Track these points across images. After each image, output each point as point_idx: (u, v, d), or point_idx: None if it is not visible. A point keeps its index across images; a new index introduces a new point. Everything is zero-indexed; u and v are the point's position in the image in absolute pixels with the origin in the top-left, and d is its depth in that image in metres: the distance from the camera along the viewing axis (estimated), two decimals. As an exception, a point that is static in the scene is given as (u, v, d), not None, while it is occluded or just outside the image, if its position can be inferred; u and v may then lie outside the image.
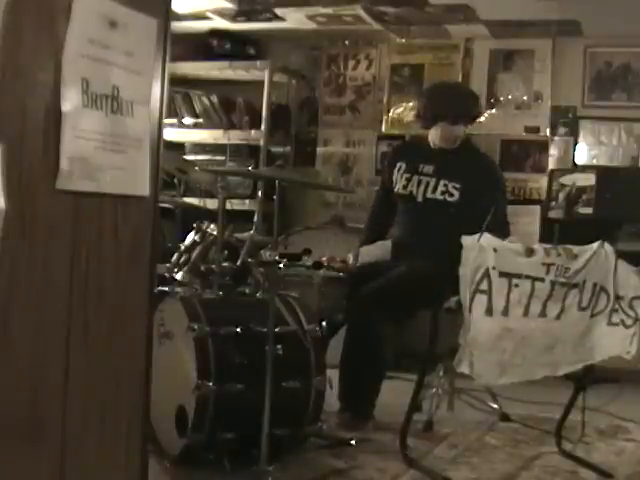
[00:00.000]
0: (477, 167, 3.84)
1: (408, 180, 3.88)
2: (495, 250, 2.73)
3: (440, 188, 3.77)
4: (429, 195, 3.81)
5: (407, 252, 3.80)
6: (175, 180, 4.77)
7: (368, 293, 3.60)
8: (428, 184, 3.81)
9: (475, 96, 4.09)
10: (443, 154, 3.86)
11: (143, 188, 1.91)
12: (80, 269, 1.75)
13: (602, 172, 5.07)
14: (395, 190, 3.96)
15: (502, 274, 2.74)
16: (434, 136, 3.90)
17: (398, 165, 3.96)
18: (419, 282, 3.52)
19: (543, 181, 5.48)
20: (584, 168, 5.39)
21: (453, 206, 3.74)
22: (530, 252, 2.85)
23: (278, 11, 5.43)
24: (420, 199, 3.83)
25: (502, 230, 3.24)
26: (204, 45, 5.97)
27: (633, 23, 4.90)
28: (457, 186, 3.75)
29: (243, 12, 5.50)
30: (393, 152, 4.36)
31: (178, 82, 5.81)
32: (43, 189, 1.64)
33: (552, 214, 5.11)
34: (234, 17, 5.61)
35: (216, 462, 2.87)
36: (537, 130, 5.66)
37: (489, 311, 2.72)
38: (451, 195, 3.76)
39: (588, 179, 4.99)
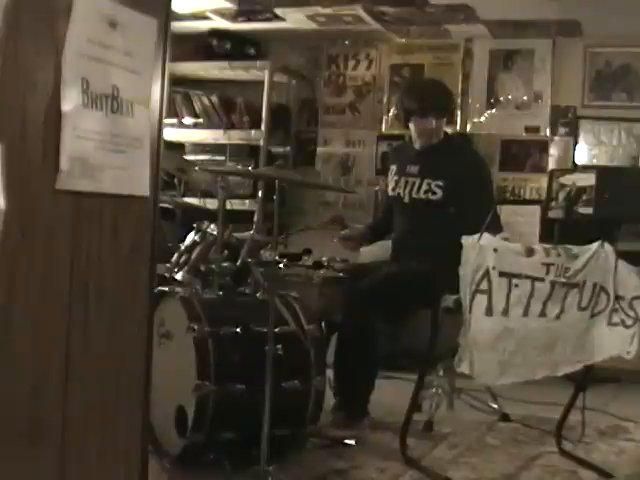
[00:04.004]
0: (460, 163, 3.84)
1: (396, 182, 3.94)
2: (495, 250, 2.73)
3: (424, 187, 3.81)
4: (414, 195, 3.84)
5: (402, 252, 3.85)
6: (175, 180, 4.78)
7: (359, 291, 3.62)
8: (414, 184, 3.85)
9: (444, 89, 4.11)
10: (427, 153, 3.89)
11: (143, 188, 1.91)
12: (80, 269, 1.75)
13: (602, 172, 5.06)
14: (388, 193, 4.04)
15: (502, 274, 2.74)
16: (413, 134, 3.95)
17: (391, 168, 4.05)
18: (405, 280, 3.60)
19: (543, 181, 5.48)
20: (584, 168, 5.38)
21: (436, 204, 3.77)
22: (530, 252, 2.85)
23: (278, 11, 5.43)
24: (407, 200, 3.87)
25: (493, 226, 3.23)
26: (204, 45, 5.96)
27: (633, 23, 4.90)
28: (440, 184, 3.77)
29: (243, 12, 5.50)
30: (388, 156, 4.42)
31: (178, 82, 5.81)
32: (43, 189, 1.65)
33: (552, 214, 5.10)
34: (234, 17, 5.60)
35: (216, 462, 2.86)
36: (537, 130, 5.66)
37: (489, 311, 2.72)
38: (434, 193, 3.78)
39: (588, 179, 4.98)
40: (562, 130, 5.62)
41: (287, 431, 2.96)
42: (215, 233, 3.36)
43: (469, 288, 2.68)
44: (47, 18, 1.63)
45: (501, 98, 5.75)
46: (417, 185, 3.84)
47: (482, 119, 5.78)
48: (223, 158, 5.98)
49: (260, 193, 5.43)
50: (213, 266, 3.26)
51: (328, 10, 5.32)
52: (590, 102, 5.58)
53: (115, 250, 1.85)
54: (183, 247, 3.53)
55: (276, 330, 2.84)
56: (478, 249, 2.70)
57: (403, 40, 5.91)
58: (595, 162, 5.51)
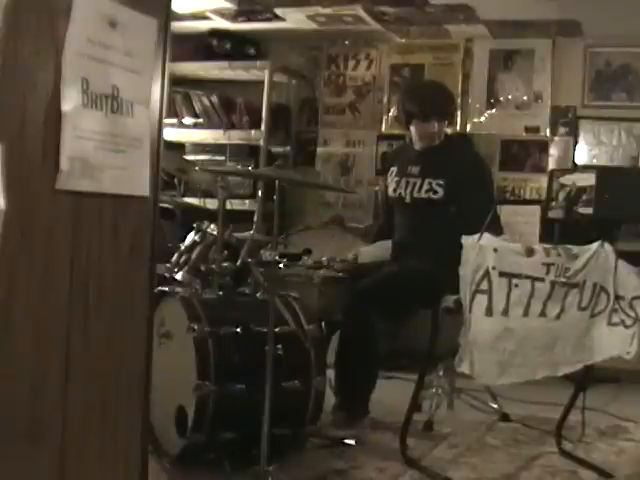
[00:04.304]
0: (461, 163, 3.85)
1: (397, 183, 3.94)
2: (495, 250, 2.73)
3: (425, 187, 3.82)
4: (415, 195, 3.85)
5: (403, 252, 3.85)
6: (175, 180, 4.77)
7: (359, 291, 3.63)
8: (415, 184, 3.86)
9: (446, 92, 4.13)
10: (428, 154, 3.90)
11: (143, 188, 1.91)
12: (80, 269, 1.75)
13: (602, 172, 5.06)
14: (388, 194, 4.05)
15: (502, 274, 2.74)
16: (414, 136, 3.96)
17: (391, 170, 4.06)
18: (406, 280, 3.61)
19: (543, 181, 5.48)
20: (584, 168, 5.38)
21: (438, 203, 3.77)
22: (530, 252, 2.85)
23: (278, 11, 5.43)
24: (408, 200, 3.88)
25: (493, 227, 3.24)
26: (204, 45, 5.97)
27: (633, 23, 4.90)
28: (441, 183, 3.78)
29: (243, 12, 5.50)
30: (387, 158, 4.42)
31: (178, 82, 5.81)
32: (43, 189, 1.64)
33: (552, 214, 5.10)
34: (234, 17, 5.61)
35: (216, 462, 2.86)
36: (537, 130, 5.66)
37: (489, 311, 2.72)
38: (435, 192, 3.79)
39: (588, 179, 4.98)
40: (562, 130, 5.62)
41: (287, 431, 2.96)
42: (215, 233, 3.36)
43: (469, 288, 2.68)
44: (47, 18, 1.63)
45: (501, 98, 5.75)
46: (418, 185, 3.84)
47: (482, 119, 5.77)
48: (223, 158, 5.98)
49: (260, 193, 5.43)
50: (213, 266, 3.26)
51: (328, 10, 5.32)
52: (590, 102, 5.58)
53: (115, 250, 1.85)
54: (183, 247, 3.53)
55: (276, 330, 2.84)
56: (478, 249, 2.71)
57: (403, 40, 5.91)
58: (595, 162, 5.51)
